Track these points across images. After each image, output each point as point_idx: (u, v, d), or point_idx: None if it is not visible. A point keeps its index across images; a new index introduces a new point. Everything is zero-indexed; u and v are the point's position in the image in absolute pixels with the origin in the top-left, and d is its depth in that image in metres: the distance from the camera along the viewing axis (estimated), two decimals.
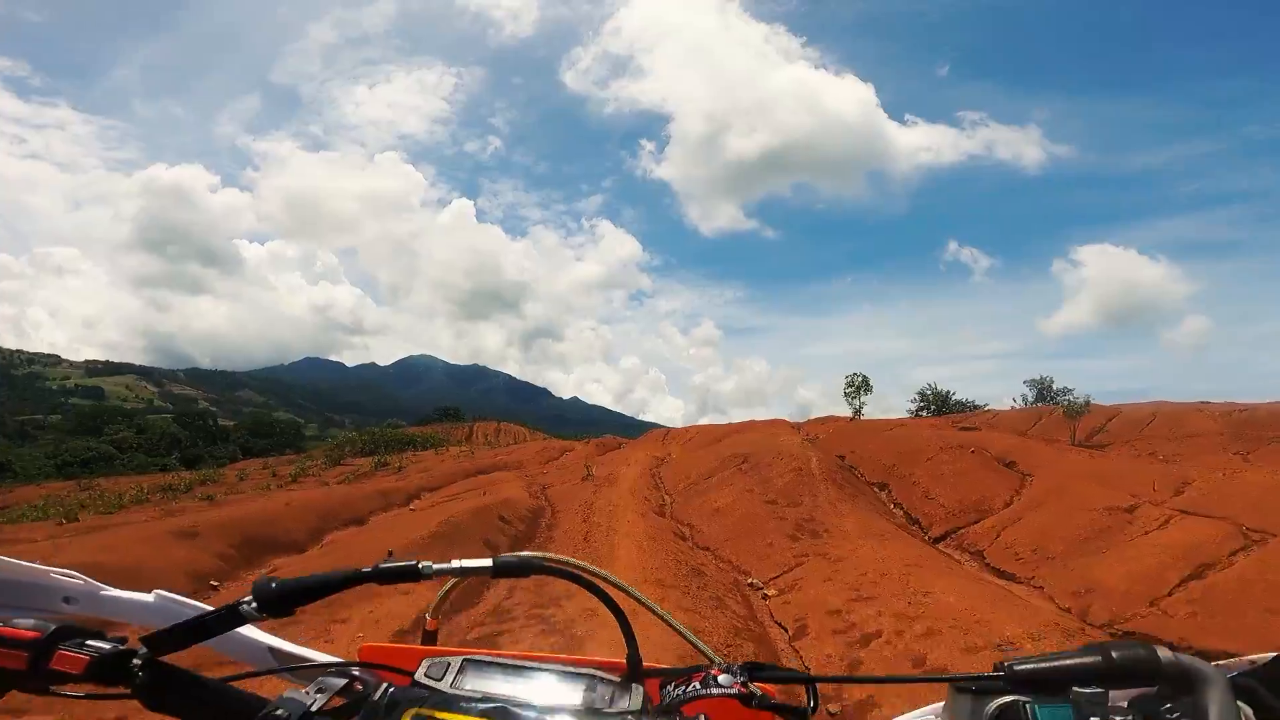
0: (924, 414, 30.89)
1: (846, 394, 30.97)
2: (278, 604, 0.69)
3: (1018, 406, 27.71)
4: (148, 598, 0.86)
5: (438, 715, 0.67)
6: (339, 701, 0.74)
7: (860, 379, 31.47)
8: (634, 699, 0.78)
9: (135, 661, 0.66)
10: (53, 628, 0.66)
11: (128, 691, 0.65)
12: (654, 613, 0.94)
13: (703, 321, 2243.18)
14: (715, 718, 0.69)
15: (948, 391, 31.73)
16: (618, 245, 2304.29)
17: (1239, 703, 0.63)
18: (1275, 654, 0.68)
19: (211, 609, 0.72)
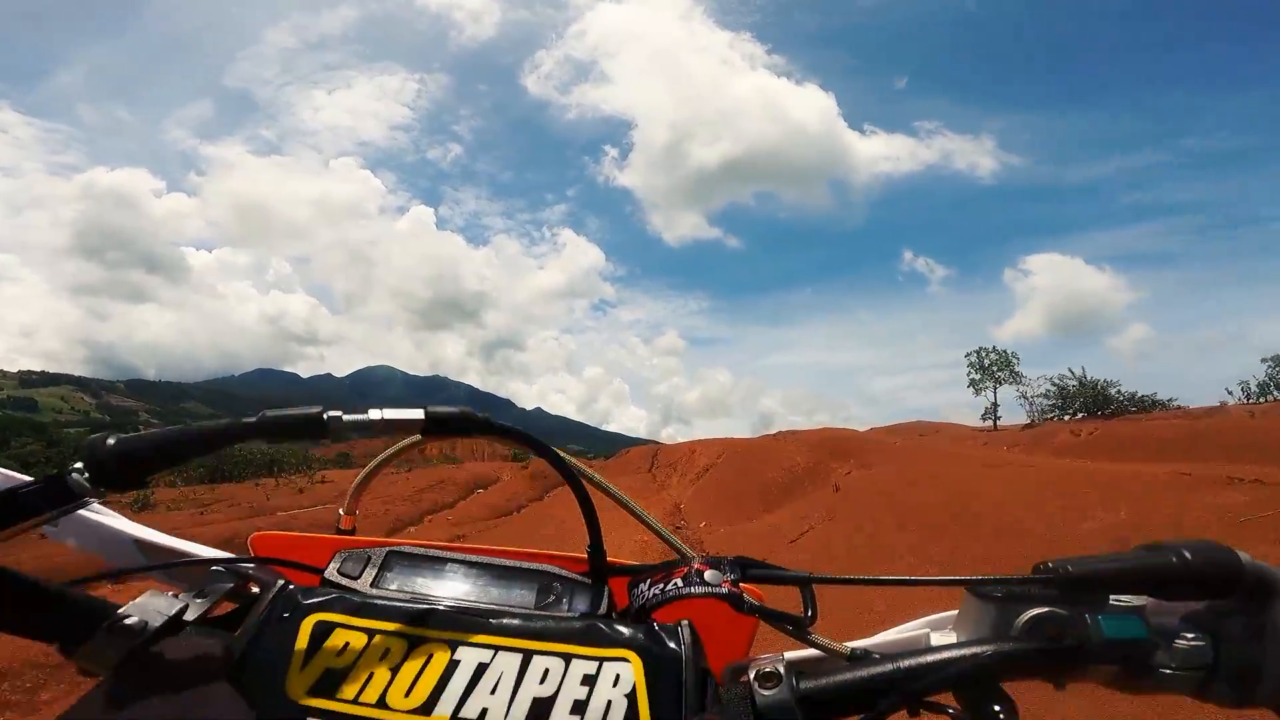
0: (1058, 416, 24.53)
1: (974, 380, 28.41)
2: (119, 471, 0.48)
3: (1238, 400, 21.43)
4: None
5: (346, 621, 0.50)
6: (228, 607, 0.57)
7: (996, 355, 28.32)
8: (598, 601, 0.62)
9: None
10: None
11: None
12: (620, 502, 0.73)
13: (666, 331, 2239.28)
14: (696, 622, 0.54)
15: (1099, 381, 24.17)
16: (580, 254, 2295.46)
17: None
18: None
19: (29, 480, 0.52)
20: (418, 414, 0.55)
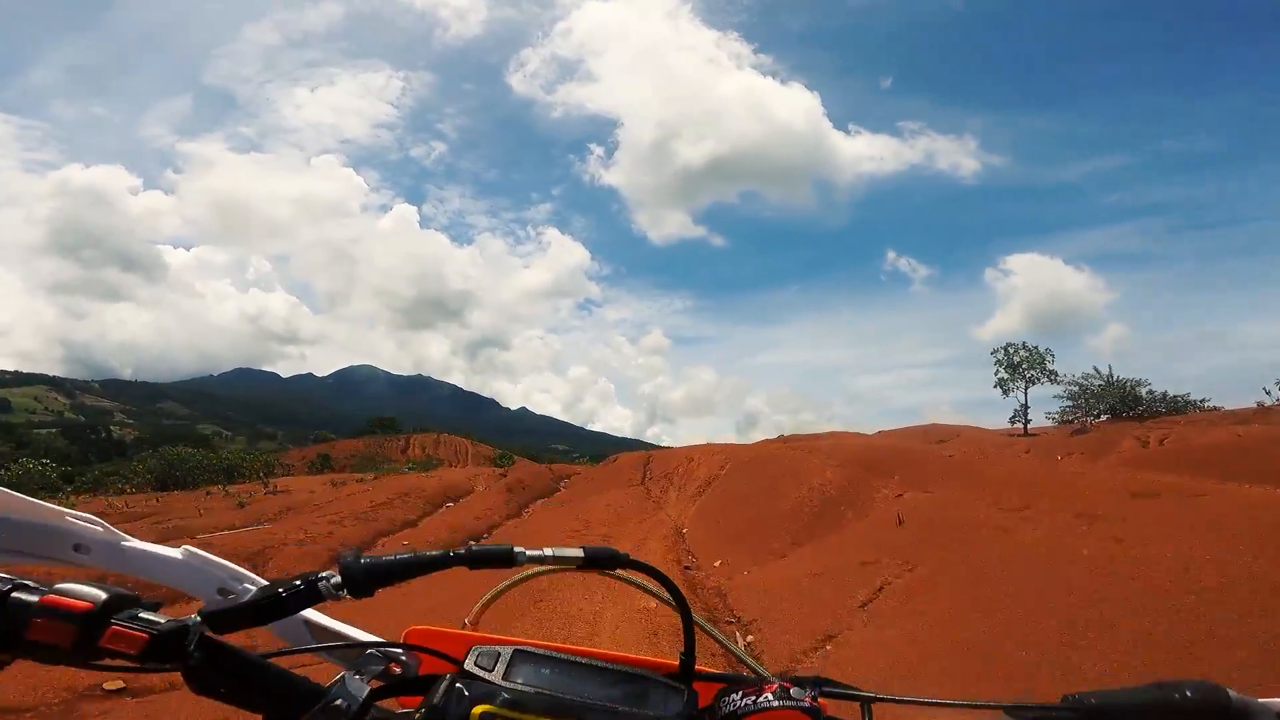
0: (1081, 419, 22.93)
1: (1002, 380, 26.99)
2: (363, 583, 0.65)
3: (1276, 401, 19.57)
4: (175, 553, 0.81)
5: (506, 714, 0.64)
6: (377, 684, 0.68)
7: (1028, 352, 26.66)
8: (686, 704, 0.74)
9: (193, 640, 0.59)
10: (104, 597, 0.57)
11: (176, 670, 0.58)
12: (707, 631, 1.60)
13: (651, 330, 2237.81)
14: None
15: (1128, 381, 22.54)
16: (566, 253, 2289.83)
17: None
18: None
19: (282, 582, 0.66)
20: (578, 552, 0.72)
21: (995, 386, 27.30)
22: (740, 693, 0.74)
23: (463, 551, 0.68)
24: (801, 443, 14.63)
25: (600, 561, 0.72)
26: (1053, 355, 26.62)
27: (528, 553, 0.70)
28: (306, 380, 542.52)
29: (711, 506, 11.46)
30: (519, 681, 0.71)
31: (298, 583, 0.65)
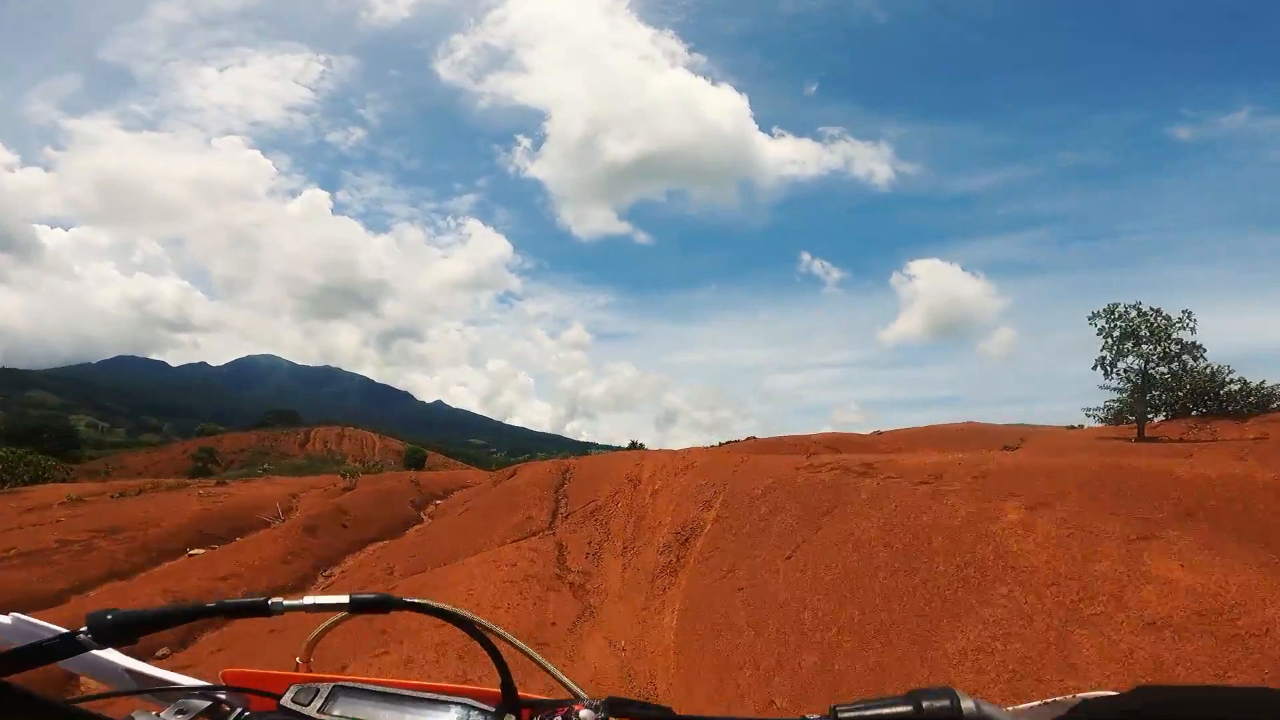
0: (1151, 413, 18.31)
1: (1103, 361, 18.96)
2: (115, 634, 0.72)
3: None
4: (4, 619, 0.90)
5: None
6: None
7: (1142, 318, 18.43)
8: None
9: None
10: None
11: None
12: (519, 649, 0.92)
13: (573, 325, 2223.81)
14: None
15: (1211, 367, 17.86)
16: (488, 245, 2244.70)
17: None
18: (1084, 697, 0.67)
19: (52, 632, 0.78)
20: (342, 599, 0.74)
21: (1095, 367, 19.19)
22: (541, 715, 0.81)
23: (214, 605, 0.72)
24: (827, 457, 8.48)
25: (370, 606, 0.74)
26: (1190, 320, 17.90)
27: (285, 603, 0.72)
28: (199, 369, 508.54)
29: (717, 607, 5.62)
30: (334, 713, 0.78)
31: (57, 636, 0.72)
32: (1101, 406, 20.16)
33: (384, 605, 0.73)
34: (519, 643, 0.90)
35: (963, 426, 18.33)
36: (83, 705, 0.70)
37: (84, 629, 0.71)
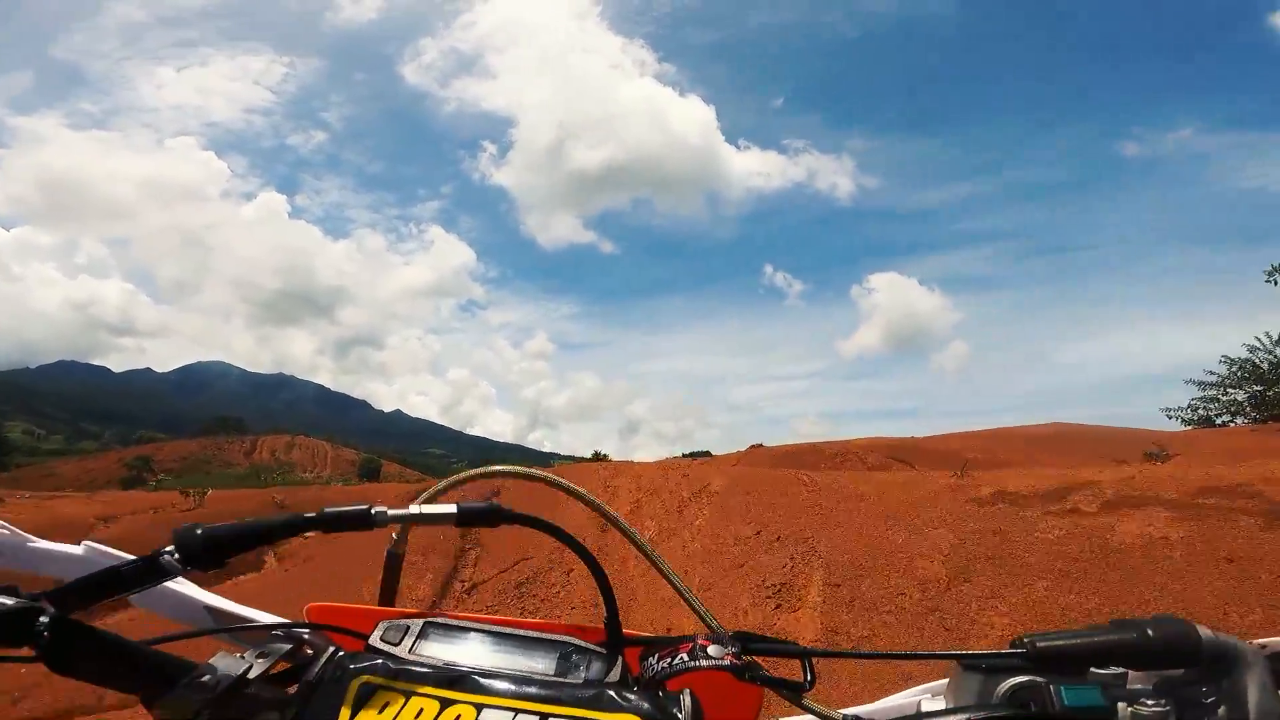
0: (1241, 419, 14.80)
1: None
2: (204, 555, 0.62)
3: None
4: (76, 550, 0.79)
5: (389, 684, 0.59)
6: (283, 666, 0.65)
7: None
8: (613, 670, 0.70)
9: (42, 620, 0.53)
10: None
11: (31, 654, 0.53)
12: (653, 564, 0.86)
13: (536, 334, 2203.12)
14: (703, 692, 0.61)
15: None
16: (451, 253, 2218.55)
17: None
18: None
19: (128, 559, 0.65)
20: (451, 509, 0.68)
21: (1249, 353, 15.53)
22: (657, 655, 0.70)
23: (314, 515, 0.65)
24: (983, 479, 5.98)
25: (479, 517, 0.68)
26: None
27: (389, 512, 0.66)
28: (144, 376, 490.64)
29: None
30: (426, 654, 0.69)
31: (138, 559, 0.63)
32: (1186, 406, 16.26)
33: (492, 516, 0.68)
34: (662, 563, 0.84)
35: (1047, 428, 14.72)
36: (158, 647, 0.59)
37: (168, 548, 0.61)
